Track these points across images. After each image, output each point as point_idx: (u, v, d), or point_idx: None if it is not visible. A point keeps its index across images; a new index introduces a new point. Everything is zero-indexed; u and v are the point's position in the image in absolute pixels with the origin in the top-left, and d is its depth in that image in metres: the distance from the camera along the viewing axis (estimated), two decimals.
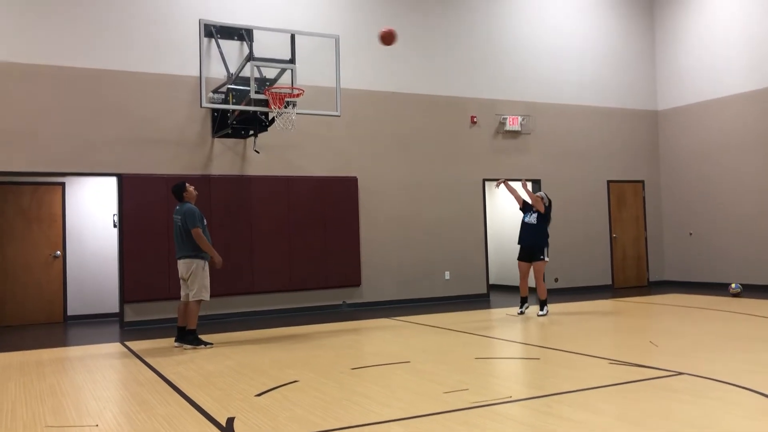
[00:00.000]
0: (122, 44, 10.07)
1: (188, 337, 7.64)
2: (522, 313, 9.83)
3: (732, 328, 8.09)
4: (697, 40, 13.73)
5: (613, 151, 13.99)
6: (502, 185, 10.01)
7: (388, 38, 8.22)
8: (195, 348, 7.55)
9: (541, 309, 9.71)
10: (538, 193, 9.94)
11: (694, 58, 13.78)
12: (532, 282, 10.12)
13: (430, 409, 4.62)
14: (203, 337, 7.80)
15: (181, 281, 7.76)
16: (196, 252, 7.60)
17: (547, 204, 9.78)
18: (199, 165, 10.44)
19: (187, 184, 7.90)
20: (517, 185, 10.31)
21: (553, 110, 13.37)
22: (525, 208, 9.94)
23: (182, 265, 7.67)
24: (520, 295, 9.95)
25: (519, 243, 9.91)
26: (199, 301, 7.65)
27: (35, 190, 10.96)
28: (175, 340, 7.85)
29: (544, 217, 9.72)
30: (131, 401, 5.26)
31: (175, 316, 9.90)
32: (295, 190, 11.02)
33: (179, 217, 7.68)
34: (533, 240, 9.68)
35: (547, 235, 9.77)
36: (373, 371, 6.11)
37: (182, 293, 7.78)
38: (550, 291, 10.22)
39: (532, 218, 9.74)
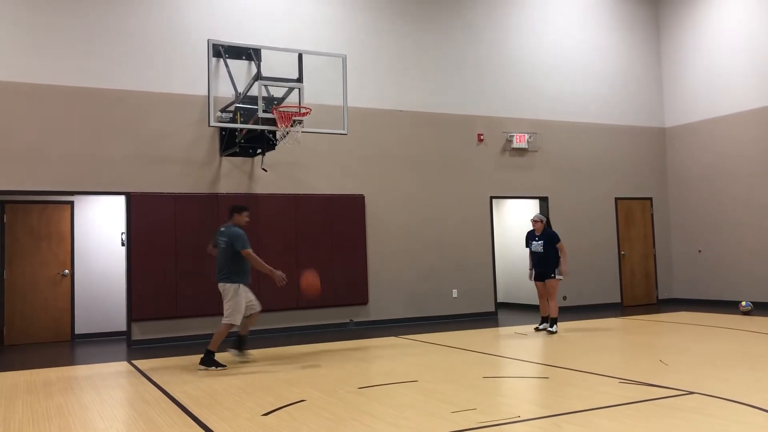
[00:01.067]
0: (131, 64, 10.16)
1: (204, 357, 7.59)
2: (538, 329, 9.94)
3: (742, 347, 8.01)
4: (703, 57, 13.75)
5: (621, 169, 13.97)
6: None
7: (308, 286, 8.01)
8: (207, 369, 7.50)
9: (551, 326, 9.73)
10: (536, 216, 10.04)
11: (701, 75, 13.78)
12: None
13: (437, 428, 4.58)
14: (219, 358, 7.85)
15: None
16: (228, 276, 7.65)
17: (551, 233, 9.91)
18: (206, 183, 10.49)
19: (245, 210, 7.98)
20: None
21: (560, 128, 13.38)
22: (529, 237, 10.08)
23: (220, 287, 7.75)
24: (540, 314, 10.10)
25: (531, 269, 10.12)
26: (229, 325, 7.64)
27: (44, 208, 11.02)
28: (232, 348, 7.99)
29: (551, 242, 9.81)
30: (138, 420, 5.24)
31: (183, 334, 10.01)
32: (303, 208, 11.04)
33: (224, 239, 7.73)
34: (544, 266, 9.87)
35: (557, 257, 9.85)
36: (381, 390, 6.07)
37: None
38: (559, 308, 10.19)
39: (539, 246, 9.88)
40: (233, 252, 7.65)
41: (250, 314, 7.95)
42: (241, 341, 8.02)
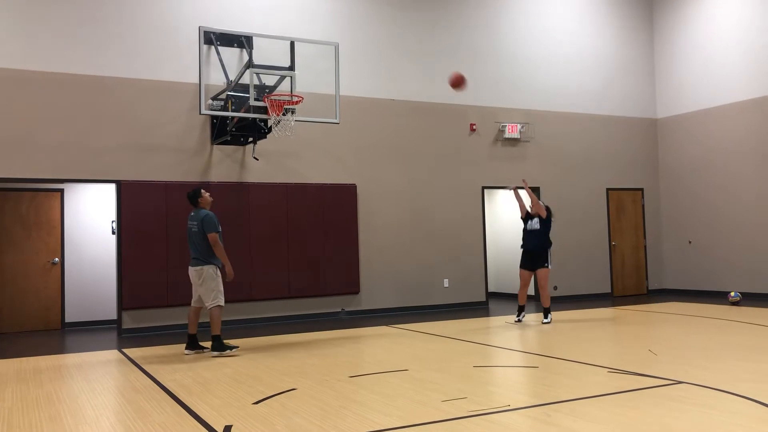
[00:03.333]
0: (122, 51, 10.08)
1: (214, 343, 7.60)
2: (519, 321, 9.79)
3: (731, 337, 8.07)
4: (696, 49, 13.77)
5: (613, 159, 14.00)
6: (513, 191, 10.15)
7: (457, 82, 8.69)
8: (221, 354, 7.49)
9: (545, 317, 9.68)
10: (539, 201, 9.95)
11: (694, 67, 13.81)
12: (530, 291, 10.12)
13: (428, 417, 4.60)
14: (229, 342, 7.86)
15: (193, 287, 7.77)
16: (206, 258, 7.61)
17: (546, 209, 9.76)
18: (197, 172, 10.44)
19: (202, 190, 7.92)
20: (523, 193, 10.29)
21: (553, 118, 13.39)
22: (527, 216, 9.92)
23: (194, 273, 7.68)
24: (518, 303, 9.89)
25: (522, 247, 9.85)
26: (219, 307, 7.64)
27: (34, 196, 10.95)
28: (186, 348, 7.83)
29: (546, 223, 9.72)
30: (128, 409, 5.24)
31: (174, 323, 10.00)
32: (294, 198, 11.01)
33: (195, 223, 7.68)
34: (538, 244, 9.65)
35: (550, 241, 9.78)
36: (372, 379, 6.09)
37: (193, 299, 7.81)
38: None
39: (535, 224, 9.72)
40: (203, 235, 7.60)
41: (197, 307, 7.83)
42: (191, 340, 7.85)
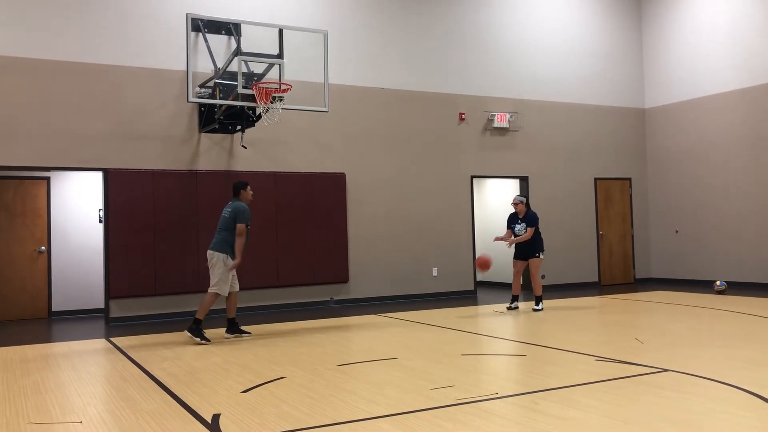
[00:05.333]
0: (109, 38, 9.97)
1: (192, 325, 7.70)
2: (510, 308, 9.92)
3: (717, 325, 8.15)
4: (684, 39, 13.81)
5: (601, 149, 14.05)
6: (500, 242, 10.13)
7: (483, 266, 9.51)
8: (193, 338, 7.60)
9: (537, 304, 9.86)
10: (516, 197, 10.01)
11: (682, 57, 13.85)
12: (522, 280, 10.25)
13: (416, 405, 4.62)
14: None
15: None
16: (221, 247, 7.76)
17: (533, 223, 9.82)
18: (185, 160, 10.38)
19: (249, 186, 8.11)
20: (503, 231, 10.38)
21: (541, 107, 13.40)
22: (511, 220, 10.04)
23: (208, 255, 7.87)
24: (512, 292, 10.07)
25: (515, 249, 10.05)
26: (215, 295, 7.75)
27: (19, 184, 10.85)
28: (226, 332, 8.03)
29: (532, 224, 9.81)
30: (116, 398, 5.22)
31: (162, 312, 9.98)
32: (283, 186, 10.97)
33: (230, 210, 7.86)
34: (528, 245, 9.87)
35: (540, 237, 9.92)
36: (360, 368, 6.10)
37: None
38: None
39: (522, 229, 9.86)
40: (231, 224, 7.80)
41: (230, 292, 7.98)
42: (230, 324, 8.06)
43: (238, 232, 7.72)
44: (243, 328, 8.17)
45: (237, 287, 8.07)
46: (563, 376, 5.45)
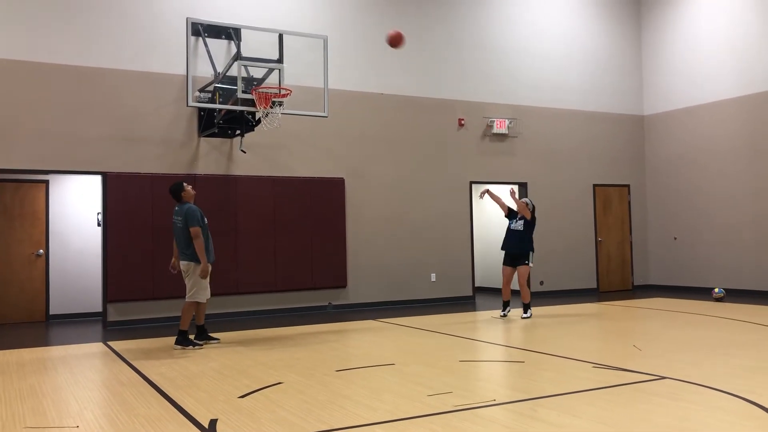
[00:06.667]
0: (109, 41, 9.99)
1: (178, 337, 7.63)
2: (504, 315, 9.87)
3: (715, 333, 8.14)
4: (683, 46, 13.84)
5: (599, 155, 14.06)
6: (487, 195, 9.79)
7: (395, 41, 8.22)
8: (184, 348, 7.52)
9: (525, 312, 9.78)
10: (523, 199, 9.97)
11: (681, 64, 13.88)
12: (513, 285, 10.18)
13: (413, 411, 4.61)
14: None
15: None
16: (189, 256, 7.58)
17: (531, 209, 9.81)
18: (184, 164, 10.38)
19: (185, 184, 7.84)
20: (503, 193, 10.33)
21: (540, 114, 13.42)
22: (510, 215, 9.97)
23: (182, 266, 7.69)
24: (503, 299, 10.01)
25: (503, 249, 9.94)
26: (194, 303, 7.63)
27: (18, 187, 10.84)
28: (194, 338, 7.87)
29: (530, 224, 9.77)
30: (113, 402, 5.21)
31: (160, 316, 9.96)
32: (282, 191, 10.97)
33: (179, 218, 7.64)
34: (519, 246, 9.74)
35: (532, 242, 9.83)
36: (358, 373, 6.09)
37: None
38: (535, 293, 10.28)
39: (519, 225, 9.79)
40: (187, 231, 7.57)
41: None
42: (200, 331, 7.93)
43: (193, 235, 7.47)
44: (211, 334, 8.03)
45: (207, 295, 7.80)
46: (561, 383, 5.45)
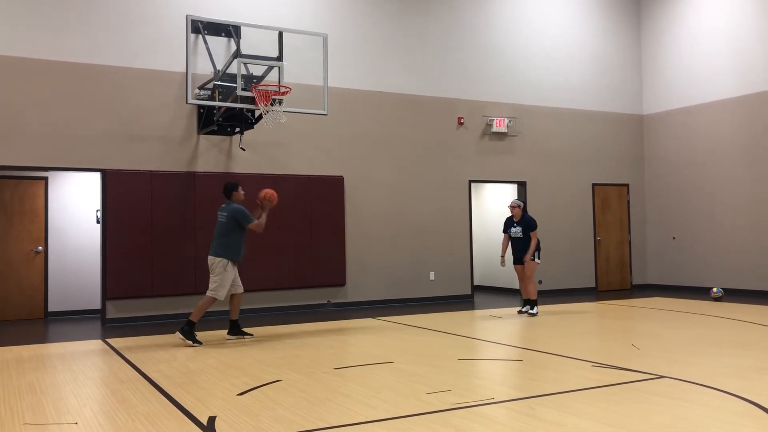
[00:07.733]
0: (108, 38, 9.98)
1: (185, 326, 7.68)
2: (522, 312, 10.08)
3: (713, 332, 8.15)
4: (683, 46, 13.84)
5: (599, 155, 14.07)
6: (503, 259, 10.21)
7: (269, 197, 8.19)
8: (184, 340, 7.57)
9: (532, 308, 9.93)
10: (514, 201, 10.08)
11: (680, 64, 13.88)
12: None
13: (412, 410, 4.61)
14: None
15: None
16: (220, 252, 7.75)
17: (522, 207, 10.02)
18: (184, 161, 10.37)
19: (240, 187, 8.08)
20: (502, 199, 10.48)
21: (540, 113, 13.42)
22: (508, 224, 10.14)
23: (209, 260, 7.86)
24: (522, 297, 10.28)
25: (513, 255, 10.17)
26: (212, 299, 7.75)
27: (17, 184, 10.84)
28: (227, 333, 8.05)
29: (528, 227, 9.96)
30: (112, 399, 5.21)
31: (159, 313, 9.96)
32: (281, 189, 10.90)
33: (225, 214, 7.84)
34: (524, 251, 9.96)
35: (537, 241, 9.97)
36: (357, 371, 6.09)
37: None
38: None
39: (518, 232, 10.00)
40: (229, 228, 7.78)
41: (233, 294, 7.98)
42: (233, 326, 8.07)
43: (256, 229, 7.83)
44: (245, 329, 8.17)
45: (241, 289, 8.04)
46: (559, 382, 5.45)
